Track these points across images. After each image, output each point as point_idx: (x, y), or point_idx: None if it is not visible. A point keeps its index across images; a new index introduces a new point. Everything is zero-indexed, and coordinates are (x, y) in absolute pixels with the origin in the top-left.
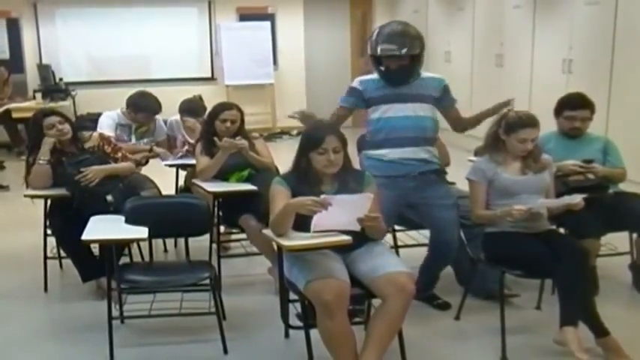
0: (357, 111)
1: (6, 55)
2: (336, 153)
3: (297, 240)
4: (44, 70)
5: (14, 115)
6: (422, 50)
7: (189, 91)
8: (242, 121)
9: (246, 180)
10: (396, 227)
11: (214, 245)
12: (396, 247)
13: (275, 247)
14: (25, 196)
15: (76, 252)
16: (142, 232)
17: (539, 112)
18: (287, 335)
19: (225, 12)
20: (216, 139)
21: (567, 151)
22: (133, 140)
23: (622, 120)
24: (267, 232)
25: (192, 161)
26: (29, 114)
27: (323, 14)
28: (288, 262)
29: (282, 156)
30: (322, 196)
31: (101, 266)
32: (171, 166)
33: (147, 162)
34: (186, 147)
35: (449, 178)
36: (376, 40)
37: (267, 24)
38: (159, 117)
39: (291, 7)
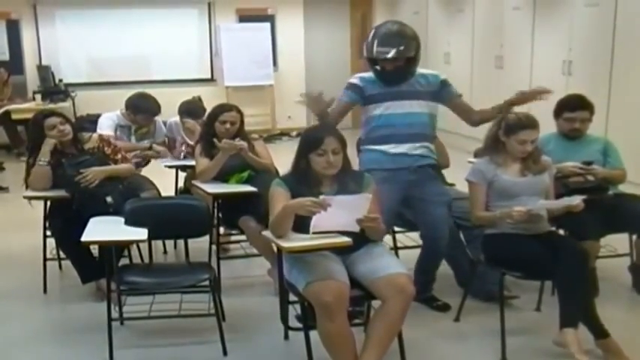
0: (357, 111)
1: (6, 57)
2: (335, 154)
3: (297, 241)
4: (44, 72)
5: (14, 116)
6: (418, 51)
7: (188, 93)
8: (242, 122)
9: (246, 181)
10: (396, 229)
11: (214, 247)
12: (395, 248)
13: (275, 248)
14: (24, 197)
15: (75, 253)
16: (141, 233)
17: (538, 113)
18: (287, 337)
19: (225, 13)
20: (215, 140)
21: (567, 153)
22: (133, 141)
23: (622, 121)
24: (267, 233)
25: (192, 162)
26: (29, 115)
27: (323, 15)
28: (287, 264)
29: (282, 157)
30: (321, 197)
31: (101, 267)
32: (170, 167)
33: (147, 163)
34: (183, 148)
35: (449, 179)
36: (373, 42)
37: (267, 25)
38: (158, 118)
39: (290, 8)
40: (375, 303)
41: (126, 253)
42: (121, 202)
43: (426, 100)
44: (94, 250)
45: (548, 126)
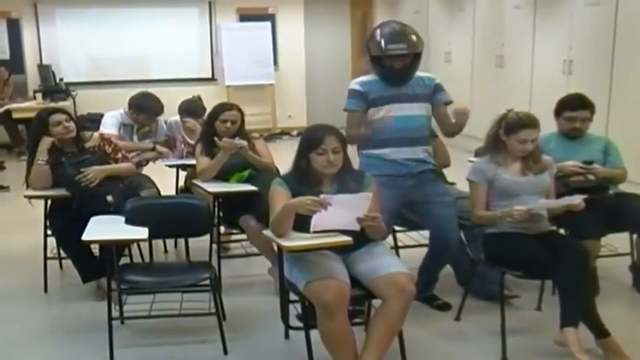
0: None
1: (6, 56)
2: (335, 153)
3: (298, 240)
4: (44, 71)
5: (14, 115)
6: (423, 48)
7: (189, 92)
8: (242, 121)
9: (247, 180)
10: (397, 228)
11: (214, 246)
12: (396, 247)
13: (275, 247)
14: (25, 196)
15: (76, 252)
16: (142, 232)
17: (539, 112)
18: (287, 336)
19: (226, 12)
20: (215, 138)
21: (567, 152)
22: (135, 140)
23: (622, 120)
24: (267, 232)
25: (193, 162)
26: (29, 114)
27: (323, 15)
28: (288, 263)
29: (283, 156)
30: (321, 196)
31: (101, 267)
32: (171, 166)
33: (147, 163)
34: (184, 147)
35: (449, 178)
36: (380, 40)
37: (268, 24)
38: (160, 117)
39: (291, 7)
40: (376, 302)
41: (126, 252)
42: (122, 201)
43: (424, 103)
44: (95, 249)
45: (548, 125)
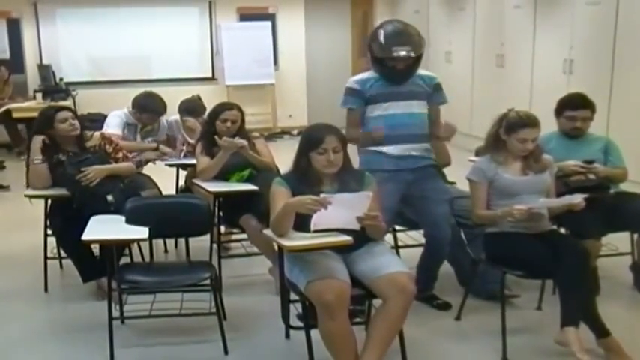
0: None
1: (6, 55)
2: (335, 153)
3: (298, 240)
4: (45, 70)
5: (15, 115)
6: (424, 47)
7: (189, 91)
8: (242, 121)
9: (247, 180)
10: (397, 227)
11: (215, 245)
12: (396, 247)
13: (275, 247)
14: (25, 196)
15: (76, 252)
16: (142, 232)
17: (539, 112)
18: (287, 336)
19: (226, 12)
20: (216, 137)
21: (568, 152)
22: (138, 139)
23: (623, 120)
24: (268, 232)
25: (193, 161)
26: (30, 114)
27: (324, 14)
28: (288, 263)
29: (283, 156)
30: (321, 195)
31: (102, 266)
32: (171, 166)
33: (147, 163)
34: (184, 146)
35: (450, 177)
36: (384, 41)
37: (268, 24)
38: (162, 117)
39: (291, 7)
40: (376, 302)
41: (127, 251)
42: (122, 200)
43: (424, 100)
44: (95, 248)
45: (549, 125)
